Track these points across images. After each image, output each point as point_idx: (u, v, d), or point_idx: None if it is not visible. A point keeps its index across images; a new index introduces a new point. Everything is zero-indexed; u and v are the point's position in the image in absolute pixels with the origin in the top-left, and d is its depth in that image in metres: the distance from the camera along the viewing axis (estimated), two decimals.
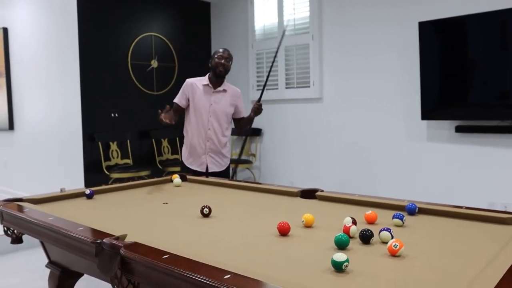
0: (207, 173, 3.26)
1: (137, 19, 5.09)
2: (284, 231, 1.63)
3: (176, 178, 2.84)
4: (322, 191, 2.36)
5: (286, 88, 5.08)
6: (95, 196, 2.42)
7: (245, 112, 3.46)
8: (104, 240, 1.46)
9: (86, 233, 1.57)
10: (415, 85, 3.89)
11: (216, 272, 1.16)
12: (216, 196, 2.47)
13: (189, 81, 3.32)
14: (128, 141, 4.92)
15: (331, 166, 4.72)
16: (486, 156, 3.63)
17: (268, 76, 3.75)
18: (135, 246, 1.39)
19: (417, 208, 1.93)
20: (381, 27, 4.21)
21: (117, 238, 1.49)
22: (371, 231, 1.52)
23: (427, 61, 3.75)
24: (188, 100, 3.28)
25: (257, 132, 5.34)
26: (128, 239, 1.52)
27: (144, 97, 5.14)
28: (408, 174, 4.10)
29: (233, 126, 3.51)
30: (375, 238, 1.52)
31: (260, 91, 3.58)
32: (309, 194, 2.36)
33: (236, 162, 5.05)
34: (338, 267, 1.24)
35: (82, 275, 2.15)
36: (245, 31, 5.46)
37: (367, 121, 4.39)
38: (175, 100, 3.32)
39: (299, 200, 2.33)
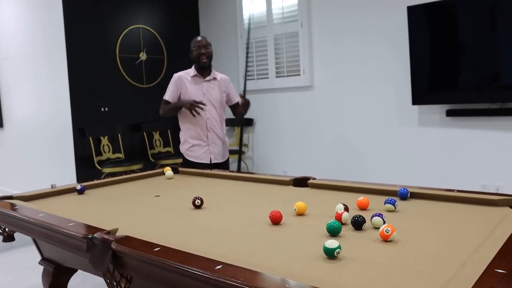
0: (211, 165, 3.22)
1: (124, 11, 5.02)
2: (276, 220, 1.62)
3: (168, 171, 2.83)
4: (315, 179, 2.37)
5: (277, 77, 5.05)
6: (86, 191, 2.40)
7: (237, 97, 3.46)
8: (95, 235, 1.45)
9: (77, 229, 1.56)
10: (406, 70, 3.88)
11: (207, 263, 1.16)
12: (208, 187, 2.46)
13: (177, 74, 3.26)
14: (119, 135, 4.88)
15: (324, 154, 4.72)
16: (477, 139, 3.64)
17: (246, 72, 3.92)
18: (126, 240, 1.39)
19: (409, 193, 1.93)
20: (370, 13, 4.19)
21: (108, 233, 1.49)
22: (362, 217, 1.52)
23: (417, 46, 3.74)
24: (180, 95, 3.22)
25: (249, 122, 5.32)
26: (119, 233, 1.51)
27: (134, 90, 5.09)
28: (400, 159, 4.11)
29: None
30: (367, 224, 1.53)
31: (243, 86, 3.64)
32: (301, 182, 2.36)
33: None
34: (330, 254, 1.23)
35: (76, 271, 2.14)
36: (234, 20, 5.42)
37: (358, 108, 4.38)
38: (167, 98, 3.25)
39: (291, 188, 2.33)
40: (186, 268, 1.14)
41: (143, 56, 5.15)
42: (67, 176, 4.57)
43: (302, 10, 4.68)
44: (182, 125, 3.31)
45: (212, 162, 3.25)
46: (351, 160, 4.47)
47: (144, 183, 2.68)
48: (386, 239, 1.38)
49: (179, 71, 3.32)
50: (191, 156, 3.27)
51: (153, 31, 5.28)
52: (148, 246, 1.31)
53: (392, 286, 1.05)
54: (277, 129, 5.15)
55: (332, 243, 1.24)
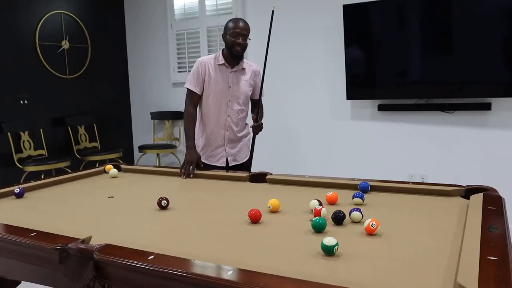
0: (227, 168, 2.82)
1: None
2: (256, 219, 1.61)
3: (112, 169, 2.67)
4: (271, 174, 2.38)
5: None
6: (25, 194, 2.18)
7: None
8: (69, 245, 1.32)
9: (43, 239, 1.41)
10: (341, 67, 4.03)
11: (215, 269, 1.11)
12: (160, 185, 2.36)
13: (201, 60, 2.73)
14: (41, 130, 4.48)
15: (258, 148, 4.75)
16: (406, 132, 3.93)
17: (261, 89, 2.87)
18: (110, 249, 1.28)
19: (369, 186, 2.02)
20: (304, 13, 4.27)
21: (83, 241, 1.36)
22: (343, 212, 1.56)
23: (352, 44, 3.91)
24: (203, 84, 2.73)
25: (180, 116, 5.19)
26: (93, 241, 1.40)
27: (56, 82, 4.70)
28: (334, 151, 4.29)
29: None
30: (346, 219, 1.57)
31: (256, 110, 2.84)
32: (258, 178, 2.36)
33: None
34: (329, 251, 1.25)
35: (19, 283, 1.94)
36: (163, 10, 5.22)
37: (293, 104, 4.47)
38: (190, 87, 2.72)
39: (249, 184, 2.32)
40: (192, 275, 1.08)
41: (65, 44, 4.76)
42: None
43: (237, 3, 4.65)
44: (199, 121, 2.84)
45: (230, 164, 2.84)
46: (288, 154, 4.56)
47: (86, 183, 2.49)
48: (371, 233, 1.43)
49: (202, 57, 2.78)
50: (204, 157, 2.82)
51: (76, 17, 4.90)
52: (140, 254, 1.22)
53: (401, 279, 1.10)
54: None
55: (330, 240, 1.26)
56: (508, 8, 3.36)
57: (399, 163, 3.96)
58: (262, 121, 2.87)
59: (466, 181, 2.21)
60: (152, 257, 1.20)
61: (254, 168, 2.94)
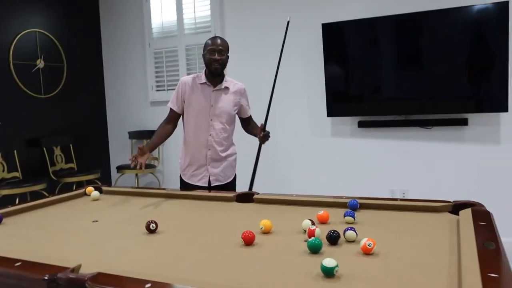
0: (209, 188, 2.80)
1: (18, 13, 4.48)
2: (249, 241, 1.58)
3: (93, 192, 2.59)
4: (258, 193, 2.36)
5: None
6: (3, 220, 2.08)
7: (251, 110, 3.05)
8: (58, 275, 1.26)
9: (30, 269, 1.34)
10: (321, 84, 4.08)
11: None
12: (145, 207, 2.31)
13: (183, 80, 2.77)
14: (15, 151, 4.33)
15: (238, 167, 4.73)
16: (386, 148, 3.98)
17: (272, 95, 3.14)
18: (103, 278, 1.23)
19: (358, 204, 2.03)
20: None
21: (72, 270, 1.30)
22: (337, 232, 1.55)
23: (331, 61, 3.96)
24: (184, 103, 2.77)
25: None
26: (82, 270, 1.34)
27: (31, 101, 4.57)
28: (315, 168, 4.30)
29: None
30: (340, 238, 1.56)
31: (265, 117, 3.00)
32: (245, 197, 2.34)
33: None
34: (330, 272, 1.24)
35: None
36: (141, 28, 5.19)
37: (274, 122, 4.42)
38: (171, 106, 2.79)
39: (236, 205, 2.29)
40: None
41: (40, 63, 4.66)
42: None
43: (215, 23, 4.67)
44: (183, 140, 2.88)
45: (212, 184, 2.82)
46: (267, 171, 4.54)
47: (68, 206, 2.41)
48: (368, 253, 1.42)
49: (185, 77, 2.82)
50: (186, 176, 2.86)
51: (51, 36, 4.81)
52: (137, 282, 1.17)
53: None
54: None
55: (329, 261, 1.24)
56: (475, 27, 3.48)
57: (380, 179, 4.00)
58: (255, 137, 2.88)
59: (447, 195, 2.24)
60: (149, 285, 1.15)
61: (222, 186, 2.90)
